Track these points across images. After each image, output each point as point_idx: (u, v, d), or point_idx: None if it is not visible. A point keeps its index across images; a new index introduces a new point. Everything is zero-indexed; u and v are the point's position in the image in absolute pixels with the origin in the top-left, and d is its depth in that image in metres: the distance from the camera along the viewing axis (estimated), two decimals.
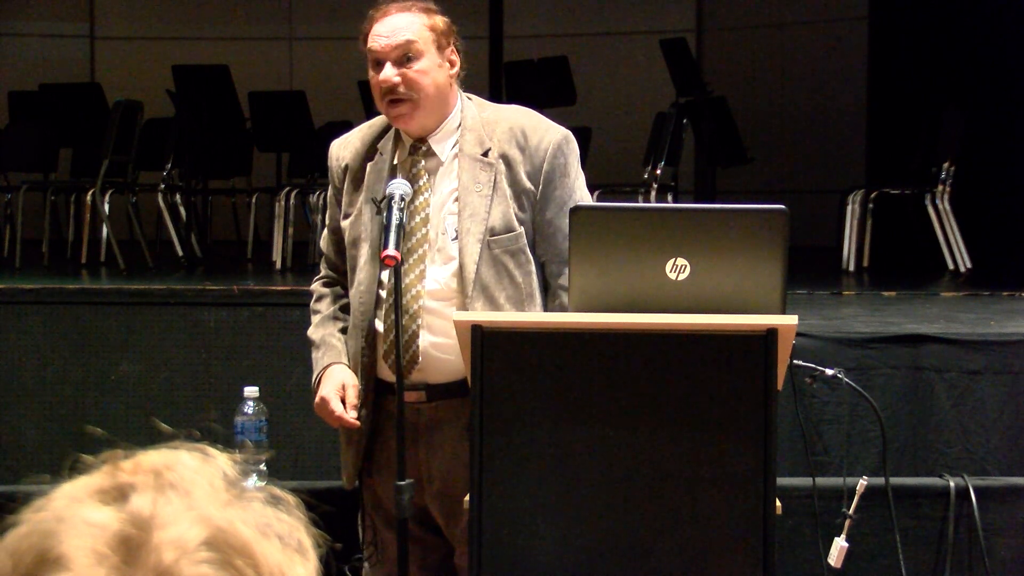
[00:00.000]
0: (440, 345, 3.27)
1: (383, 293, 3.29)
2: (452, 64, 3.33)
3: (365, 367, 3.34)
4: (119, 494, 0.93)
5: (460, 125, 3.33)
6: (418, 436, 3.33)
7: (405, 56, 3.27)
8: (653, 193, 8.05)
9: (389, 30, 3.28)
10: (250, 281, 7.05)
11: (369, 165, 3.37)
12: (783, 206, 2.92)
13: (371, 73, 3.31)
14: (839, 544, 3.97)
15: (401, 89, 3.26)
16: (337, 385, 3.33)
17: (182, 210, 8.56)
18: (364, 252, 3.32)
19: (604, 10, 11.59)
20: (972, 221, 8.00)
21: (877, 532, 4.39)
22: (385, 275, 3.25)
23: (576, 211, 2.98)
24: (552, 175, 3.30)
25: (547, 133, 3.32)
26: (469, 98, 3.39)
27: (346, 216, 3.39)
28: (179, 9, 11.83)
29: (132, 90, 8.87)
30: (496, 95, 9.54)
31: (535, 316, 3.22)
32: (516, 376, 2.91)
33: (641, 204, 7.68)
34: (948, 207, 7.86)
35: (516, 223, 3.28)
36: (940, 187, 7.89)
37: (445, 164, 3.32)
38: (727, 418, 2.87)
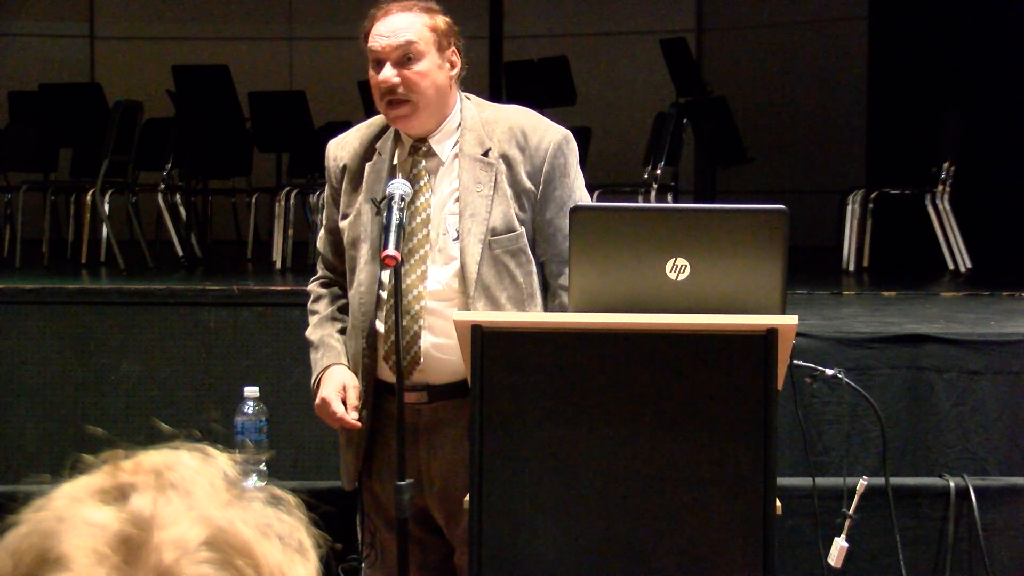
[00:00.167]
0: (441, 346, 3.26)
1: (384, 294, 3.29)
2: (453, 65, 3.32)
3: (366, 368, 3.34)
4: (119, 494, 0.93)
5: (460, 125, 3.33)
6: (419, 437, 3.33)
7: (405, 57, 3.26)
8: (653, 193, 8.05)
9: (390, 30, 3.28)
10: (250, 281, 7.05)
11: (368, 165, 3.36)
12: (783, 206, 2.92)
13: (371, 72, 3.31)
14: (839, 544, 3.97)
15: (400, 90, 3.25)
16: (338, 386, 3.33)
17: (182, 210, 8.56)
18: (364, 253, 3.31)
19: (604, 10, 11.59)
20: (972, 221, 8.00)
21: (877, 532, 4.39)
22: (386, 275, 3.25)
23: (576, 211, 2.98)
24: (552, 175, 3.30)
25: (547, 133, 3.31)
26: (468, 98, 3.39)
27: (344, 216, 3.39)
28: (179, 9, 11.83)
29: (132, 90, 8.88)
30: (496, 95, 9.54)
31: (535, 316, 3.22)
32: (516, 376, 2.91)
33: (641, 204, 7.68)
34: (948, 207, 7.86)
35: (517, 223, 3.28)
36: (940, 187, 7.89)
37: (445, 164, 3.32)
38: (727, 418, 2.87)
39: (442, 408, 3.31)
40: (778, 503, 2.87)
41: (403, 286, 3.24)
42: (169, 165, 8.54)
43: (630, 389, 2.88)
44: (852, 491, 4.04)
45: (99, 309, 5.29)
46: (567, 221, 3.03)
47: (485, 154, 3.29)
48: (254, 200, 9.04)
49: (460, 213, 3.27)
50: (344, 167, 3.40)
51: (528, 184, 3.29)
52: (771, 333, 2.83)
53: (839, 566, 3.98)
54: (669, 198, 8.35)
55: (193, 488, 0.94)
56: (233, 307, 5.25)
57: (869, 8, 10.31)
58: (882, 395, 4.61)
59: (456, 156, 3.31)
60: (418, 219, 3.29)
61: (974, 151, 8.06)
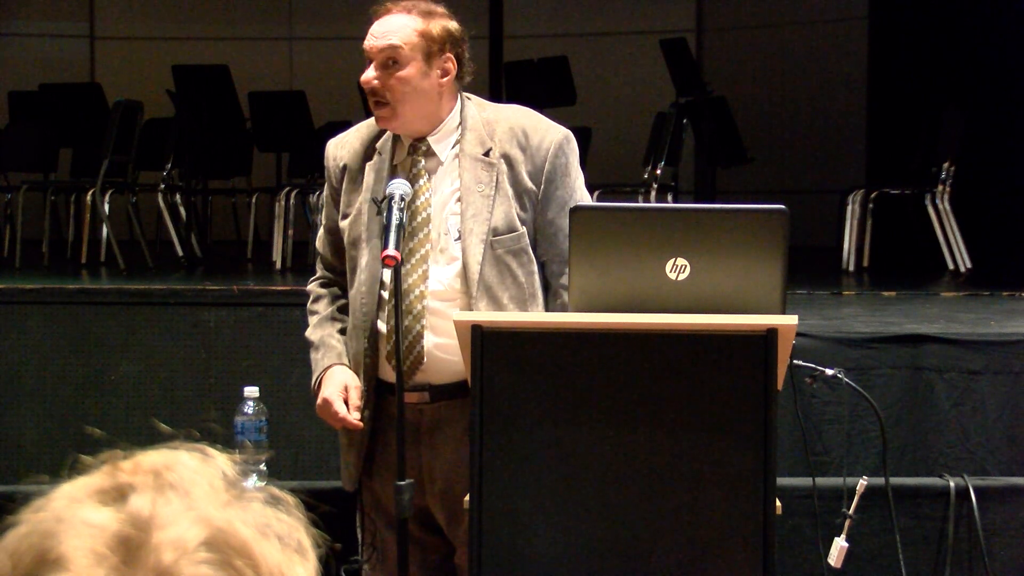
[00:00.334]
0: (443, 346, 3.26)
1: (385, 294, 3.28)
2: (445, 72, 3.29)
3: (367, 368, 3.33)
4: (118, 494, 0.93)
5: (460, 125, 3.33)
6: (420, 437, 3.32)
7: (390, 60, 3.26)
8: (653, 193, 8.05)
9: (381, 31, 3.28)
10: (250, 281, 7.05)
11: (368, 165, 3.36)
12: (783, 206, 2.92)
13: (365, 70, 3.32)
14: (839, 544, 3.97)
15: (379, 92, 3.26)
16: (339, 386, 3.33)
17: (182, 210, 8.56)
18: (365, 253, 3.31)
19: (604, 10, 11.59)
20: (972, 221, 8.00)
21: (877, 532, 4.39)
22: (387, 275, 3.24)
23: (576, 211, 2.98)
24: (554, 175, 3.30)
25: (548, 133, 3.31)
26: (469, 98, 3.39)
27: (344, 216, 3.39)
28: (179, 9, 11.83)
29: (132, 90, 8.88)
30: (496, 95, 9.54)
31: (535, 316, 3.22)
32: (516, 376, 2.91)
33: (641, 204, 7.68)
34: (948, 207, 7.86)
35: (518, 223, 3.28)
36: (940, 187, 7.89)
37: (445, 164, 3.32)
38: (727, 418, 2.87)
39: (444, 408, 3.31)
40: (778, 503, 2.87)
41: (405, 286, 3.24)
42: (169, 165, 8.54)
43: (630, 389, 2.88)
44: (852, 491, 4.04)
45: (99, 309, 5.29)
46: (568, 220, 3.03)
47: (486, 154, 3.29)
48: (254, 200, 9.04)
49: (462, 213, 3.27)
50: (344, 167, 3.39)
51: (529, 184, 3.29)
52: (771, 333, 2.83)
53: (839, 566, 3.98)
54: (669, 198, 8.35)
55: (192, 488, 0.94)
56: (233, 307, 5.25)
57: (869, 8, 10.31)
58: (882, 395, 4.61)
59: (456, 156, 3.31)
60: (419, 219, 3.29)
61: (974, 151, 8.05)
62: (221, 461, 0.98)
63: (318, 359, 3.41)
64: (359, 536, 3.48)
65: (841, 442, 4.59)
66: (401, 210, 3.16)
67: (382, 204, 3.23)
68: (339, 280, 3.45)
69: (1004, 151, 8.38)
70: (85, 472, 0.96)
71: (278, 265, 7.87)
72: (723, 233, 2.93)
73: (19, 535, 0.92)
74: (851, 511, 4.01)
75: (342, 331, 3.42)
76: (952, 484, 4.45)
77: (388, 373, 3.30)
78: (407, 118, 3.28)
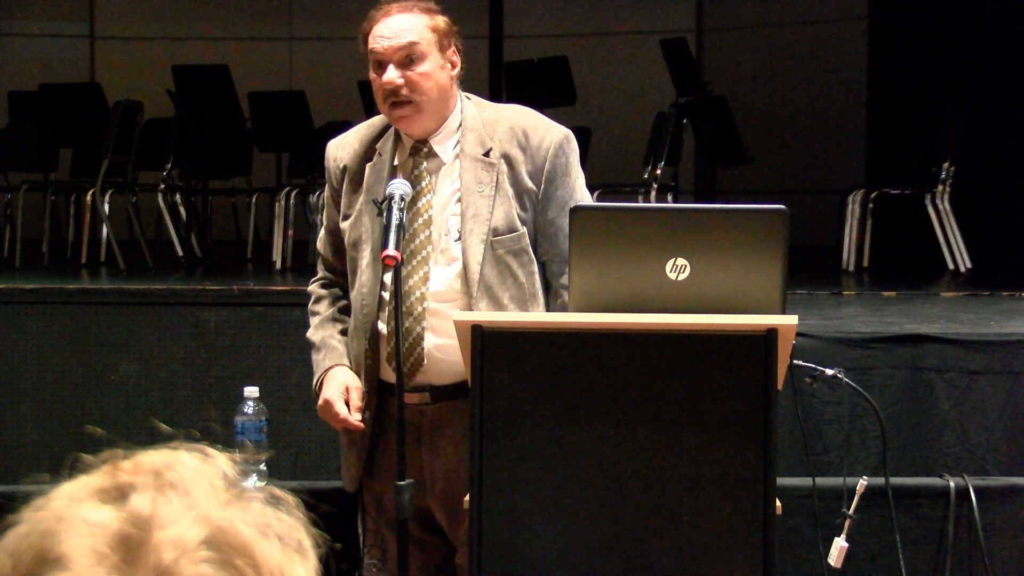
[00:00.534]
0: (444, 347, 3.26)
1: (386, 295, 3.28)
2: (453, 65, 3.32)
3: (368, 369, 3.33)
4: (119, 494, 0.93)
5: (460, 125, 3.33)
6: (421, 437, 3.32)
7: (408, 58, 3.26)
8: (653, 193, 8.04)
9: (392, 31, 3.27)
10: (250, 281, 7.05)
11: (368, 166, 3.36)
12: (783, 206, 2.92)
13: (372, 75, 3.30)
14: (839, 544, 3.97)
15: (404, 92, 3.25)
16: (340, 387, 3.33)
17: (182, 210, 8.56)
18: (366, 254, 3.31)
19: (604, 10, 11.59)
20: (972, 221, 8.00)
21: (877, 532, 4.39)
22: (388, 276, 3.24)
23: (576, 211, 2.98)
24: (554, 175, 3.30)
25: (548, 133, 3.31)
26: (468, 98, 3.39)
27: (345, 217, 3.39)
28: (179, 9, 11.83)
29: (132, 90, 8.87)
30: (496, 95, 9.54)
31: (535, 316, 3.22)
32: (516, 376, 2.91)
33: (641, 204, 7.68)
34: (948, 207, 7.86)
35: (519, 223, 3.28)
36: (940, 187, 7.89)
37: (446, 165, 3.32)
38: (727, 418, 2.87)
39: (444, 409, 3.31)
40: (778, 503, 2.87)
41: (405, 288, 3.24)
42: (169, 165, 8.54)
43: (630, 389, 2.88)
44: (852, 491, 4.04)
45: (99, 309, 5.29)
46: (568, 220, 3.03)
47: (486, 154, 3.29)
48: (254, 200, 9.04)
49: (462, 214, 3.27)
50: (344, 168, 3.39)
51: (529, 184, 3.29)
52: (771, 333, 2.83)
53: (839, 566, 3.98)
54: (669, 198, 8.34)
55: (192, 488, 0.94)
56: (233, 307, 5.25)
57: (869, 8, 10.31)
58: (882, 395, 4.61)
59: (457, 156, 3.31)
60: (420, 220, 3.29)
61: (974, 151, 8.05)
62: (221, 461, 0.98)
63: (319, 360, 3.41)
64: (360, 536, 3.48)
65: (841, 442, 4.59)
66: (401, 210, 3.16)
67: (382, 205, 3.23)
68: (340, 281, 3.45)
69: (1004, 151, 8.37)
70: (85, 471, 0.96)
71: (278, 265, 7.87)
72: (723, 233, 2.93)
73: (20, 534, 0.92)
74: (851, 511, 4.01)
75: (343, 332, 3.42)
76: (952, 484, 4.45)
77: (389, 374, 3.29)
78: (428, 115, 3.28)
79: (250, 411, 3.66)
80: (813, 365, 4.17)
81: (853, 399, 4.49)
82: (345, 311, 3.42)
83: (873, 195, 8.15)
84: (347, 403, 3.32)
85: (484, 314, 3.13)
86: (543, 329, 2.95)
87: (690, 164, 9.89)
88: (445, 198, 3.30)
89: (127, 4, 12.01)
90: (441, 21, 3.31)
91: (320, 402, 3.35)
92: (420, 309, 3.27)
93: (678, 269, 2.89)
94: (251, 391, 3.68)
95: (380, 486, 3.38)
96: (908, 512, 4.43)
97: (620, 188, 8.35)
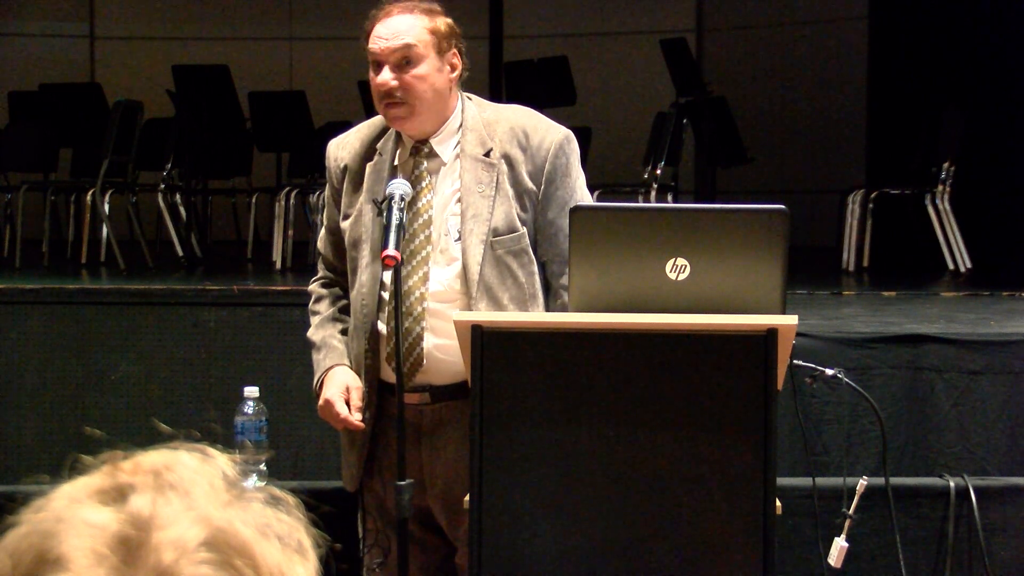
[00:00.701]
0: (443, 347, 3.26)
1: (386, 295, 3.29)
2: (453, 67, 3.31)
3: (368, 369, 3.33)
4: (119, 494, 0.93)
5: (461, 126, 3.33)
6: (421, 437, 3.33)
7: (404, 60, 3.26)
8: (653, 193, 8.04)
9: (390, 32, 3.27)
10: (250, 281, 7.05)
11: (368, 166, 3.36)
12: (783, 206, 2.92)
13: (371, 74, 3.30)
14: (839, 544, 3.97)
15: (398, 93, 3.25)
16: (341, 387, 3.33)
17: (182, 210, 8.56)
18: (365, 254, 3.31)
19: (604, 10, 11.59)
20: (972, 221, 8.00)
21: (877, 532, 4.39)
22: (388, 276, 3.24)
23: (576, 211, 2.98)
24: (554, 175, 3.30)
25: (548, 133, 3.31)
26: (469, 98, 3.39)
27: (345, 217, 3.39)
28: (179, 9, 11.83)
29: (132, 90, 8.88)
30: (496, 95, 9.54)
31: (535, 316, 3.22)
32: (516, 376, 2.91)
33: (641, 204, 7.67)
34: (948, 207, 7.86)
35: (519, 223, 3.28)
36: (940, 187, 7.89)
37: (447, 165, 3.32)
38: (727, 418, 2.87)
39: (444, 409, 3.31)
40: (778, 503, 2.87)
41: (405, 288, 3.24)
42: (169, 165, 8.54)
43: (630, 389, 2.88)
44: (852, 491, 4.04)
45: (99, 309, 5.29)
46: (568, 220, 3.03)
47: (487, 154, 3.29)
48: (254, 200, 9.04)
49: (462, 214, 3.27)
50: (345, 167, 3.39)
51: (530, 184, 3.29)
52: (771, 333, 2.83)
53: (839, 566, 3.98)
54: (669, 198, 8.34)
55: (192, 488, 0.94)
56: (233, 307, 5.25)
57: (869, 8, 10.31)
58: (882, 395, 4.61)
59: (458, 156, 3.31)
60: (420, 220, 3.29)
61: (974, 151, 8.05)
62: (221, 461, 0.98)
63: (320, 360, 3.41)
64: (360, 536, 3.48)
65: (841, 442, 4.59)
66: (401, 210, 3.16)
67: (382, 205, 3.23)
68: (341, 280, 3.45)
69: (1004, 151, 8.37)
70: (85, 472, 0.96)
71: (278, 265, 7.87)
72: (723, 233, 2.93)
73: (19, 535, 0.92)
74: (851, 511, 4.01)
75: (344, 332, 3.42)
76: (952, 484, 4.45)
77: (389, 374, 3.30)
78: (423, 117, 3.28)
79: (250, 411, 3.66)
80: (813, 365, 4.17)
81: (853, 399, 4.49)
82: (346, 311, 3.43)
83: (873, 195, 8.15)
84: (347, 403, 3.32)
85: (484, 314, 3.13)
86: (543, 329, 2.95)
87: (690, 164, 9.89)
88: (445, 198, 3.30)
89: (127, 4, 12.01)
90: (442, 23, 3.30)
91: (320, 402, 3.36)
92: (420, 309, 3.27)
93: (678, 269, 2.89)
94: (251, 391, 3.68)
95: (380, 486, 3.38)
96: (908, 512, 4.43)
97: (620, 188, 8.35)
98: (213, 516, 0.92)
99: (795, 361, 3.79)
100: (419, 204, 3.29)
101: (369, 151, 3.38)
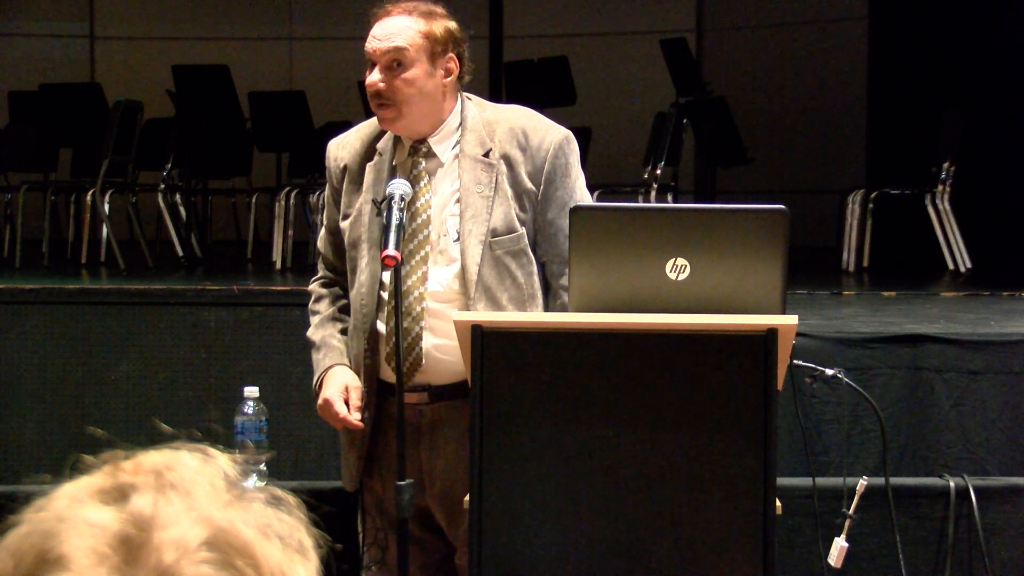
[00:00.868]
0: (442, 347, 3.26)
1: (385, 295, 3.29)
2: (448, 72, 3.30)
3: (367, 369, 3.34)
4: (120, 494, 0.93)
5: (460, 126, 3.33)
6: (420, 437, 3.33)
7: (395, 62, 3.26)
8: (653, 193, 8.04)
9: (384, 33, 3.28)
10: (250, 281, 7.05)
11: (368, 166, 3.36)
12: (783, 206, 2.92)
13: (366, 72, 3.31)
14: (839, 544, 3.97)
15: (385, 95, 3.25)
16: (340, 387, 3.33)
17: (182, 210, 8.56)
18: (365, 253, 3.31)
19: (604, 10, 11.59)
20: (972, 221, 8.00)
21: (877, 532, 4.39)
22: (387, 276, 3.24)
23: (576, 211, 2.98)
24: (553, 175, 3.30)
25: (548, 133, 3.31)
26: (469, 98, 3.39)
27: (345, 217, 3.39)
28: (179, 9, 11.83)
29: (132, 90, 8.88)
30: (496, 95, 9.54)
31: (535, 316, 3.22)
32: (516, 376, 2.91)
33: (641, 204, 7.68)
34: (948, 207, 7.86)
35: (518, 224, 3.28)
36: (940, 187, 7.89)
37: (446, 165, 3.32)
38: (727, 418, 2.87)
39: (443, 409, 3.31)
40: (778, 503, 2.87)
41: (404, 287, 3.24)
42: (169, 165, 8.54)
43: (630, 389, 2.88)
44: (852, 491, 4.04)
45: (99, 309, 5.29)
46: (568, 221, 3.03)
47: (486, 155, 3.29)
48: (254, 200, 9.04)
49: (461, 214, 3.27)
50: (345, 167, 3.39)
51: (529, 184, 3.29)
52: (771, 333, 2.83)
53: (839, 566, 3.98)
54: (669, 198, 8.34)
55: (193, 488, 0.94)
56: (233, 307, 5.25)
57: (869, 8, 10.31)
58: (882, 395, 4.61)
59: (457, 157, 3.31)
60: (419, 220, 3.29)
61: (974, 151, 8.05)
62: (222, 461, 0.98)
63: (319, 359, 3.41)
64: (360, 536, 3.48)
65: (841, 442, 4.59)
66: (401, 210, 3.16)
67: (382, 205, 3.23)
68: (340, 280, 3.45)
69: (1004, 151, 8.37)
70: (86, 472, 0.96)
71: (278, 265, 7.87)
72: (723, 233, 2.93)
73: (20, 535, 0.92)
74: (851, 511, 4.01)
75: (343, 331, 3.42)
76: (952, 484, 4.45)
77: (388, 374, 3.30)
78: (411, 119, 3.28)
79: (250, 411, 3.66)
80: (813, 365, 4.17)
81: (853, 399, 4.49)
82: (345, 310, 3.43)
83: (873, 195, 8.15)
84: (347, 403, 3.32)
85: (484, 314, 3.13)
86: (543, 329, 2.96)
87: (690, 164, 9.90)
88: (444, 198, 3.30)
89: (127, 4, 12.01)
90: (439, 27, 3.29)
91: (320, 401, 3.36)
92: (419, 309, 3.27)
93: (678, 269, 2.89)
94: (251, 391, 3.68)
95: (380, 486, 3.38)
96: (908, 512, 4.43)
97: (620, 188, 8.34)
98: (214, 516, 0.92)
99: (795, 361, 3.79)
100: (418, 204, 3.29)
101: (369, 151, 3.38)
